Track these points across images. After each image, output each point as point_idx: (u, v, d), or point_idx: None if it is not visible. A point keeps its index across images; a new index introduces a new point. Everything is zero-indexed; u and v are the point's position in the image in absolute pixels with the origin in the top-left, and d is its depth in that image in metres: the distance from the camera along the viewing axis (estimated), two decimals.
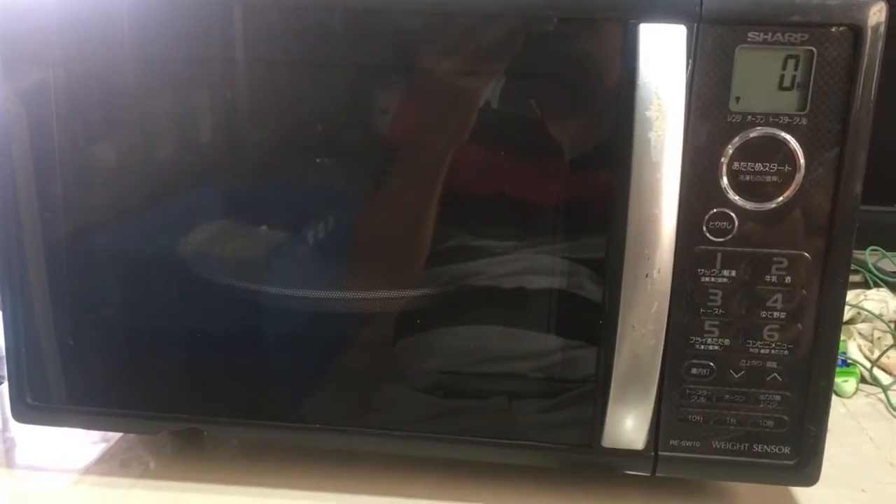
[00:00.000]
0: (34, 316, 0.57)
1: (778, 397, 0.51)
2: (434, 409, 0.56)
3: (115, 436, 0.66)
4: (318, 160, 0.54)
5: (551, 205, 0.52)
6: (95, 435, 0.65)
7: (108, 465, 0.62)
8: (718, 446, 0.52)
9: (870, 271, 0.89)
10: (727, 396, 0.51)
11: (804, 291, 0.49)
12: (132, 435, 0.65)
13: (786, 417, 0.51)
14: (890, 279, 0.88)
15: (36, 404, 0.59)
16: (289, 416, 0.57)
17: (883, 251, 0.91)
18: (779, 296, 0.49)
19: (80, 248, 0.56)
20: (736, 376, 0.51)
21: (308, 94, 0.53)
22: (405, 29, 0.50)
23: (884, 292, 0.85)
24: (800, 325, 0.50)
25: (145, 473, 0.61)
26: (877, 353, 0.78)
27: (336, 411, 0.57)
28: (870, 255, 0.90)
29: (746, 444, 0.52)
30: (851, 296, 0.85)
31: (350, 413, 0.57)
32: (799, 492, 0.58)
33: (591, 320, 0.52)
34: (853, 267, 0.88)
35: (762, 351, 0.50)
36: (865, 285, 0.89)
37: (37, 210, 0.55)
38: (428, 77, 0.51)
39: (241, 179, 0.56)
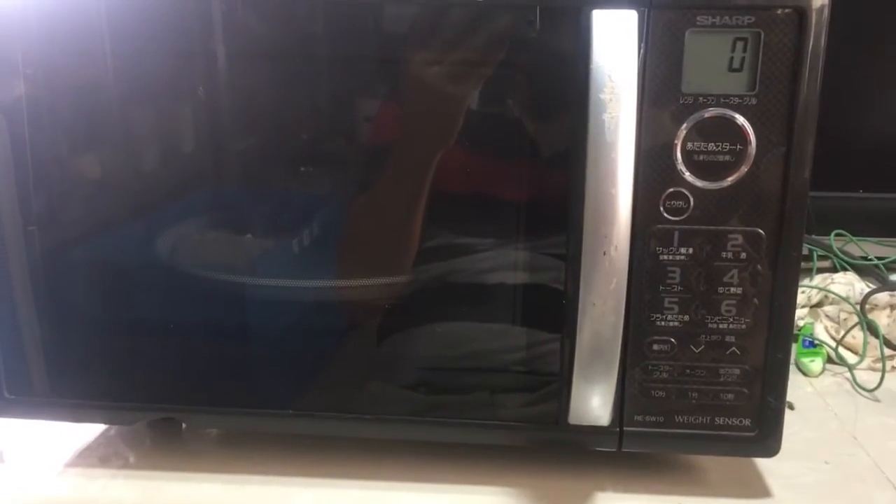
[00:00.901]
0: (13, 312, 0.58)
1: (737, 370, 0.52)
2: (416, 402, 0.57)
3: (94, 431, 0.66)
4: (302, 168, 0.55)
5: (517, 197, 0.53)
6: (75, 430, 0.66)
7: (87, 458, 0.63)
8: (681, 420, 0.54)
9: (836, 255, 0.90)
10: (688, 371, 0.53)
11: (759, 267, 0.51)
12: (112, 430, 0.66)
13: (745, 390, 0.53)
14: (856, 262, 0.90)
15: (13, 398, 0.60)
16: (265, 402, 0.58)
17: (849, 235, 0.93)
18: (735, 271, 0.51)
19: (62, 256, 0.57)
20: (696, 351, 0.52)
21: (292, 96, 0.54)
22: (388, 25, 0.51)
23: (850, 276, 0.87)
24: (756, 300, 0.51)
25: (125, 466, 0.62)
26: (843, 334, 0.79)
27: (311, 398, 0.58)
28: (835, 240, 0.92)
29: (708, 418, 0.54)
30: (819, 279, 0.87)
31: (326, 400, 0.58)
32: (763, 463, 0.59)
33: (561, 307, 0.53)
34: (821, 252, 0.90)
35: (720, 326, 0.52)
36: (833, 269, 0.90)
37: (20, 225, 0.56)
38: (411, 77, 0.52)
39: (226, 187, 0.57)
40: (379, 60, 0.53)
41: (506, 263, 0.54)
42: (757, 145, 0.49)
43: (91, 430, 0.66)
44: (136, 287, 0.58)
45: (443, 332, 0.56)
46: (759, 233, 0.50)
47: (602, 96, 0.46)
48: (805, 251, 0.90)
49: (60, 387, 0.60)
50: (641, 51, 0.48)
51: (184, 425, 0.64)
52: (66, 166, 0.56)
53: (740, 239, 0.50)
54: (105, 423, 0.65)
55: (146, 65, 0.53)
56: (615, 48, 0.47)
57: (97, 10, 0.51)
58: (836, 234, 0.92)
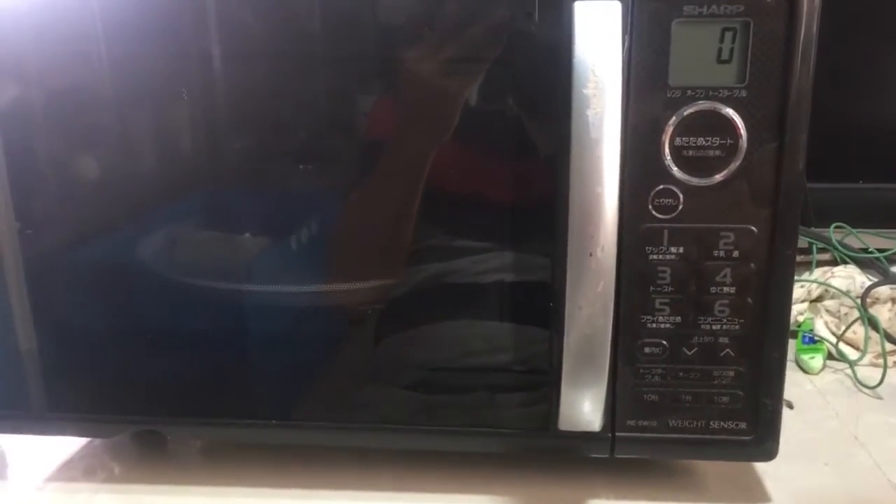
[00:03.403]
0: (9, 319, 0.57)
1: (732, 373, 0.51)
2: (416, 405, 0.56)
3: (77, 443, 0.65)
4: (301, 166, 0.54)
5: (507, 196, 0.52)
6: (57, 441, 0.65)
7: (71, 472, 0.62)
8: (675, 425, 0.52)
9: (836, 248, 0.88)
10: (681, 374, 0.51)
11: (752, 265, 0.49)
12: (96, 442, 0.65)
13: (740, 392, 0.51)
14: (856, 255, 0.88)
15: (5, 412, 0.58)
16: (251, 412, 0.57)
17: (849, 228, 0.91)
18: (727, 270, 0.49)
19: (57, 260, 0.56)
20: (689, 353, 0.51)
21: (288, 93, 0.53)
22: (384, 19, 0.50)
23: (851, 269, 0.85)
24: (749, 299, 0.50)
25: (109, 478, 0.60)
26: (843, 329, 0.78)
27: (298, 407, 0.57)
28: (834, 232, 0.90)
29: (703, 422, 0.52)
30: (819, 273, 0.85)
31: (313, 409, 0.57)
32: (761, 466, 0.58)
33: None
34: (820, 245, 0.89)
35: (714, 327, 0.50)
36: (833, 263, 0.89)
37: (15, 229, 0.55)
38: (408, 74, 0.51)
39: (223, 185, 0.55)
40: (374, 56, 0.51)
41: (499, 265, 0.53)
42: (748, 139, 0.47)
43: (74, 442, 0.65)
44: (127, 293, 0.57)
45: (435, 334, 0.55)
46: (751, 230, 0.49)
47: (585, 91, 0.45)
48: (804, 244, 0.88)
49: (41, 401, 0.58)
50: (626, 43, 0.46)
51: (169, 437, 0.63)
52: (61, 168, 0.55)
53: (732, 237, 0.49)
54: (86, 435, 0.63)
55: (141, 65, 0.52)
56: (598, 40, 0.45)
57: (91, 11, 0.50)
58: (836, 227, 0.90)
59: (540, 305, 0.52)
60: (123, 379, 0.57)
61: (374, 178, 0.53)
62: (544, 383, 0.52)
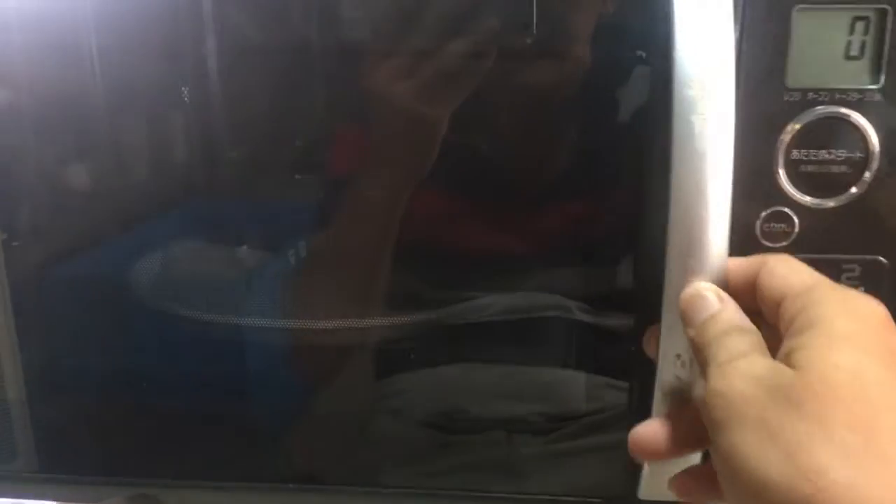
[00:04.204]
0: None
1: None
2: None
3: None
4: (297, 176, 0.51)
5: (566, 233, 0.47)
6: None
7: None
8: None
9: None
10: None
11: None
12: None
13: None
14: None
15: None
16: (258, 474, 0.52)
17: None
18: None
19: (46, 277, 0.53)
20: None
21: (285, 101, 0.48)
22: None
23: None
24: None
25: None
26: None
27: (301, 467, 0.52)
28: None
29: None
30: None
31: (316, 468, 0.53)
32: None
33: (614, 350, 0.46)
34: None
35: None
36: None
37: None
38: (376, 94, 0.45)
39: (218, 196, 0.52)
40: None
41: (551, 298, 0.48)
42: (881, 152, 0.41)
43: None
44: (118, 322, 0.54)
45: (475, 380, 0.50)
46: (881, 262, 0.42)
47: (690, 93, 0.37)
48: None
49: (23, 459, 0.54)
50: (736, 34, 0.39)
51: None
52: (50, 177, 0.53)
53: (858, 269, 0.42)
54: (71, 500, 0.57)
55: (133, 73, 0.49)
56: (705, 32, 0.37)
57: (83, 18, 0.48)
58: None
59: (614, 351, 0.45)
60: (116, 434, 0.53)
61: (336, 221, 0.48)
62: (621, 443, 0.45)
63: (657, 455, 0.37)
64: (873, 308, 0.31)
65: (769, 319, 0.34)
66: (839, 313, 0.30)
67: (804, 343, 0.30)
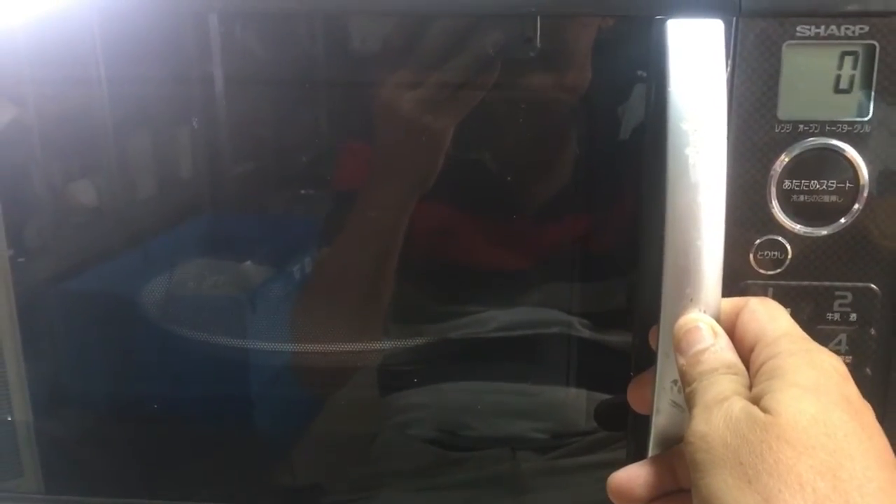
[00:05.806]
0: None
1: None
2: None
3: None
4: (302, 191, 0.50)
5: (567, 249, 0.47)
6: None
7: None
8: None
9: None
10: None
11: (872, 330, 0.42)
12: None
13: None
14: None
15: None
16: (263, 493, 0.51)
17: None
18: (843, 336, 0.43)
19: (52, 290, 0.53)
20: None
21: (288, 119, 0.48)
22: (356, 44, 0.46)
23: None
24: (868, 370, 0.43)
25: None
26: None
27: (316, 486, 0.52)
28: None
29: None
30: None
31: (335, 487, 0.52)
32: None
33: (615, 367, 0.45)
34: None
35: None
36: None
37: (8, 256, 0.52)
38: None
39: (224, 211, 0.52)
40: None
41: (550, 318, 0.48)
42: (870, 182, 0.41)
43: None
44: (125, 339, 0.53)
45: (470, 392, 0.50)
46: (872, 289, 0.42)
47: (684, 126, 0.37)
48: None
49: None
50: (728, 69, 0.39)
51: None
52: (56, 193, 0.52)
53: (849, 297, 0.42)
54: None
55: (140, 90, 0.49)
56: (698, 66, 0.38)
57: (90, 35, 0.47)
58: None
59: (615, 368, 0.45)
60: (121, 453, 0.53)
61: (341, 234, 0.48)
62: (623, 460, 0.45)
63: (634, 501, 0.38)
64: (833, 363, 0.33)
65: (742, 357, 0.35)
66: (802, 365, 0.32)
67: (774, 387, 0.31)
